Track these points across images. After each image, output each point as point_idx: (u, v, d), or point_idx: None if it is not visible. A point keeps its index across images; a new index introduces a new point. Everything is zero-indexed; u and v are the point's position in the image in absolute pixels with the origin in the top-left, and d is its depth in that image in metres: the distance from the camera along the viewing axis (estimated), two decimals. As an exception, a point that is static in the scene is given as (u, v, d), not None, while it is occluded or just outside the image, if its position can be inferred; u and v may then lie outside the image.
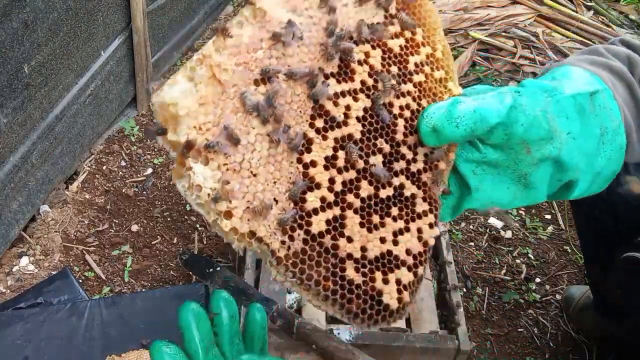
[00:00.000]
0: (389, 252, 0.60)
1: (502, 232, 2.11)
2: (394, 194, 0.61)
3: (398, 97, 0.63)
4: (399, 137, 0.63)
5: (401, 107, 0.63)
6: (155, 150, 2.24)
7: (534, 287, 1.94)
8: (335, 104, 0.59)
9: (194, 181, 0.54)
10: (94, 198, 2.03)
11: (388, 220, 0.60)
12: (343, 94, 0.60)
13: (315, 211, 0.57)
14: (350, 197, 0.58)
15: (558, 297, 1.92)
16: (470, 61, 2.84)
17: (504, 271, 1.99)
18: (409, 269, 0.61)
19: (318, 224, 0.56)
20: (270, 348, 1.17)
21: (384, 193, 0.61)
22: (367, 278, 0.58)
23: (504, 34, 2.95)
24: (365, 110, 0.62)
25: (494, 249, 2.06)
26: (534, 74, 2.79)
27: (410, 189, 0.62)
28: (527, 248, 2.07)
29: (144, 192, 2.09)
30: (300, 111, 0.57)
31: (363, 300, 0.57)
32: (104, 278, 1.81)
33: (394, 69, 0.63)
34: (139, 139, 2.27)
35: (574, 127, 0.70)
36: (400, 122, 0.63)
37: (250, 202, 0.54)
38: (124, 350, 1.51)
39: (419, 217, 0.63)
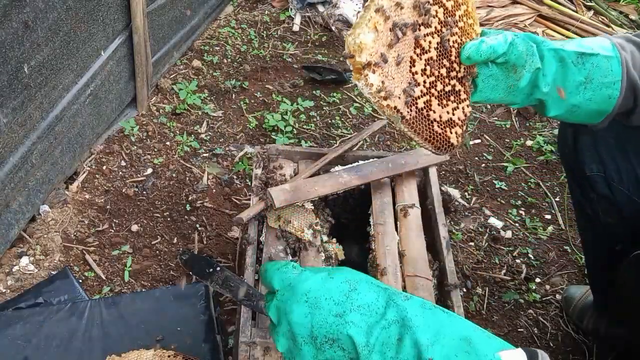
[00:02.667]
0: (451, 119, 1.09)
1: (502, 232, 2.11)
2: (450, 90, 1.09)
3: (452, 35, 1.08)
4: (453, 58, 1.09)
5: (454, 42, 1.08)
6: (155, 150, 2.24)
7: (534, 287, 1.94)
8: (424, 41, 1.05)
9: (369, 81, 0.97)
10: (94, 198, 2.03)
11: (449, 102, 1.10)
12: (427, 35, 1.05)
13: (419, 97, 1.04)
14: (433, 91, 1.07)
15: (558, 297, 1.92)
16: (470, 61, 2.84)
17: (504, 271, 1.99)
18: (460, 127, 1.11)
19: (420, 103, 1.05)
20: (270, 348, 1.17)
21: (447, 88, 1.09)
22: (443, 130, 1.08)
23: (504, 34, 2.94)
24: (437, 43, 1.07)
25: (494, 249, 2.06)
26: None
27: (457, 86, 1.10)
28: (527, 248, 2.07)
29: (144, 192, 2.09)
30: (409, 44, 1.04)
31: (441, 140, 1.09)
32: (104, 278, 1.81)
33: (450, 20, 1.08)
34: (139, 139, 2.27)
35: (548, 68, 1.08)
36: (454, 51, 1.08)
37: (392, 92, 1.00)
38: (124, 350, 1.51)
39: (462, 101, 1.11)
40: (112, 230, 1.95)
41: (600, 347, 1.76)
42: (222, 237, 1.98)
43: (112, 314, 1.63)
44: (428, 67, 1.05)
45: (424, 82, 1.05)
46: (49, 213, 1.92)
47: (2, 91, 1.51)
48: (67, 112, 1.87)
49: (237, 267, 1.88)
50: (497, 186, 2.28)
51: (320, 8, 3.09)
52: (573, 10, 3.12)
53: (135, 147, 2.24)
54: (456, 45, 1.09)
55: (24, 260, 1.79)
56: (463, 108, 1.11)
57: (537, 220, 2.17)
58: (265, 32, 2.99)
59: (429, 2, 1.04)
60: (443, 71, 1.08)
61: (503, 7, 3.09)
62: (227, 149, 2.31)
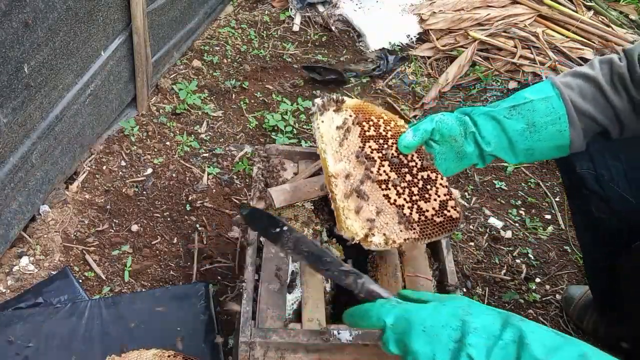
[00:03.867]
0: (440, 202, 1.23)
1: (502, 232, 2.11)
2: (423, 183, 1.23)
3: (391, 148, 1.24)
4: (406, 161, 1.24)
5: (396, 149, 1.24)
6: (155, 150, 2.24)
7: (534, 287, 1.94)
8: (380, 175, 1.22)
9: (377, 242, 1.16)
10: (94, 198, 2.03)
11: (429, 192, 1.23)
12: (378, 170, 1.22)
13: (409, 214, 1.20)
14: (413, 198, 1.22)
15: (558, 297, 1.92)
16: (470, 61, 2.84)
17: (504, 271, 1.99)
18: (450, 199, 1.24)
19: (414, 216, 1.20)
20: (270, 348, 1.17)
21: (420, 184, 1.23)
22: (443, 216, 1.22)
23: (504, 34, 2.95)
24: (388, 165, 1.23)
25: (494, 249, 2.06)
26: (535, 74, 2.79)
27: (424, 175, 1.24)
28: (527, 248, 2.07)
29: (144, 192, 2.09)
30: (375, 189, 1.21)
31: (448, 224, 1.22)
32: (104, 278, 1.81)
33: (381, 140, 1.25)
34: (139, 139, 2.27)
35: (484, 130, 1.22)
36: (402, 156, 1.24)
37: (394, 231, 1.18)
38: (124, 350, 1.51)
39: (435, 181, 1.24)
40: (112, 230, 1.95)
41: (601, 347, 1.76)
42: (222, 237, 1.98)
43: (112, 314, 1.63)
44: (398, 188, 1.21)
45: (404, 200, 1.21)
46: (49, 213, 1.92)
47: (2, 91, 1.51)
48: (67, 112, 1.87)
49: (237, 267, 1.88)
50: (497, 186, 2.28)
51: (320, 8, 3.09)
52: (573, 10, 3.12)
53: (135, 147, 2.24)
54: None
55: (24, 260, 1.79)
56: (440, 184, 1.25)
57: (537, 220, 2.17)
58: (265, 32, 2.99)
59: (362, 152, 1.21)
60: (408, 177, 1.23)
61: (503, 7, 3.09)
62: (227, 149, 2.31)
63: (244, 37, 2.93)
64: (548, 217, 2.19)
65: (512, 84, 2.79)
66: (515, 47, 2.88)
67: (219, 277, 1.86)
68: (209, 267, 1.88)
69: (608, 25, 3.09)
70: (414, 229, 1.18)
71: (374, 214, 1.17)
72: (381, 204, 1.19)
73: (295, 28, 3.04)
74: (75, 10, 1.75)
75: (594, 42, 2.94)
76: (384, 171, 1.22)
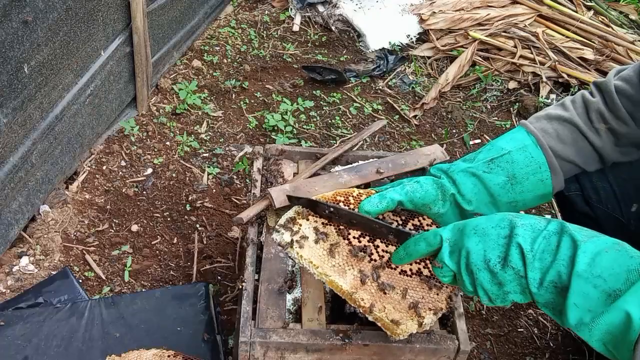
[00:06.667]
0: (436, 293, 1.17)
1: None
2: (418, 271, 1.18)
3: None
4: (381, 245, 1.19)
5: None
6: (155, 150, 2.24)
7: (534, 287, 1.94)
8: (380, 257, 1.18)
9: (425, 323, 1.14)
10: (94, 198, 2.03)
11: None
12: (382, 252, 1.18)
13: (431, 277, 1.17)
14: (422, 271, 1.19)
15: (558, 297, 1.92)
16: (470, 61, 2.84)
17: (504, 271, 1.99)
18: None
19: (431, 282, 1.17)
20: (270, 348, 1.17)
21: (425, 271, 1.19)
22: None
23: (504, 34, 2.95)
24: (381, 251, 1.18)
25: (494, 249, 2.06)
26: (534, 74, 2.79)
27: (411, 224, 1.23)
28: (527, 248, 2.06)
29: (144, 192, 2.09)
30: (394, 274, 1.18)
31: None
32: (104, 278, 1.81)
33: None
34: (139, 139, 2.27)
35: (464, 187, 1.17)
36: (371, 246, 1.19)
37: (436, 301, 1.17)
38: (124, 350, 1.51)
39: (423, 226, 1.24)
40: (112, 230, 1.95)
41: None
42: (222, 237, 1.98)
43: (112, 314, 1.63)
44: (406, 267, 1.16)
45: (417, 263, 1.16)
46: (49, 213, 1.92)
47: (2, 91, 1.51)
48: (67, 112, 1.87)
49: (237, 267, 1.88)
50: (497, 186, 2.28)
51: (320, 8, 3.09)
52: (573, 10, 3.12)
53: (135, 147, 2.24)
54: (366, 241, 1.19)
55: (24, 260, 1.79)
56: (427, 226, 1.23)
57: (537, 220, 2.17)
58: (265, 32, 2.99)
59: (354, 248, 1.16)
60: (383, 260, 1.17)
61: (503, 7, 3.09)
62: (227, 149, 2.31)
63: (244, 37, 2.93)
64: (548, 217, 2.19)
65: (512, 84, 2.79)
66: (515, 47, 2.88)
67: (219, 277, 1.86)
68: (209, 267, 1.88)
69: (608, 25, 3.09)
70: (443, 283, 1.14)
71: (408, 296, 1.12)
72: (405, 283, 1.14)
73: (295, 28, 3.04)
74: (75, 10, 1.75)
75: (594, 42, 2.94)
76: (383, 250, 1.17)
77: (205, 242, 1.95)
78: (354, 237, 1.18)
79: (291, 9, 3.12)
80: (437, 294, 1.13)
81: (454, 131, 2.56)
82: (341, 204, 1.20)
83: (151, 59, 2.32)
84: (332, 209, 1.16)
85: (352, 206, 1.20)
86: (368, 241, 1.17)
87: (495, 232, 0.92)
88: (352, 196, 1.22)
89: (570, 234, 0.86)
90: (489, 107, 2.70)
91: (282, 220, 1.19)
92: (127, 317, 1.63)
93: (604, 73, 2.82)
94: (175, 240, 1.95)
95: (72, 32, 1.77)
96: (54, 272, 1.77)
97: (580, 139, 1.20)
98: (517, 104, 2.71)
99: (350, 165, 1.55)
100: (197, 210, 2.05)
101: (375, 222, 1.14)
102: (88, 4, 1.81)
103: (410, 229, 1.20)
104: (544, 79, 2.76)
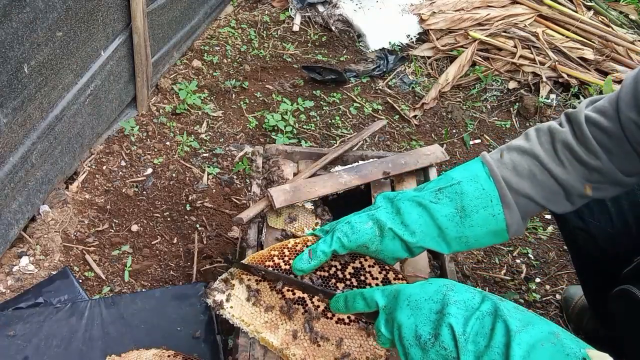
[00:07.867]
0: (383, 280, 1.18)
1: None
2: (356, 279, 1.19)
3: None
4: (327, 273, 1.19)
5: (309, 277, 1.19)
6: (155, 150, 2.24)
7: (534, 287, 1.94)
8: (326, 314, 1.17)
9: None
10: (94, 198, 2.03)
11: (368, 280, 1.19)
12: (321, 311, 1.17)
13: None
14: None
15: (558, 297, 1.92)
16: (470, 61, 2.84)
17: (504, 271, 1.99)
18: (387, 275, 1.21)
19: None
20: (269, 348, 1.17)
21: (354, 283, 1.19)
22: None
23: (504, 34, 2.95)
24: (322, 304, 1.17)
25: (494, 249, 2.06)
26: (534, 74, 2.79)
27: (351, 267, 1.21)
28: (527, 248, 2.07)
29: (144, 192, 2.09)
30: (355, 332, 1.15)
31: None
32: (104, 278, 1.81)
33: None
34: (139, 139, 2.27)
35: (408, 217, 1.09)
36: (321, 272, 1.19)
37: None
38: (124, 350, 1.51)
39: (364, 267, 1.22)
40: (112, 230, 1.95)
41: (600, 347, 1.76)
42: (222, 237, 1.98)
43: (112, 314, 1.63)
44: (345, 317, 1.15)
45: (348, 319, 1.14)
46: (49, 213, 1.92)
47: (2, 91, 1.51)
48: (67, 112, 1.87)
49: (237, 267, 1.88)
50: (497, 186, 2.28)
51: (320, 8, 3.09)
52: (573, 10, 3.12)
53: (135, 147, 2.24)
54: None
55: (24, 260, 1.79)
56: (369, 267, 1.20)
57: (537, 220, 2.17)
58: (265, 32, 2.99)
59: (287, 302, 1.15)
60: (340, 285, 1.17)
61: (503, 7, 3.09)
62: (227, 149, 2.31)
63: (244, 37, 2.93)
64: (548, 217, 2.19)
65: (512, 84, 2.79)
66: (515, 47, 2.88)
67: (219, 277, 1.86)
68: (208, 267, 1.88)
69: (608, 25, 3.09)
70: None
71: (344, 346, 1.10)
72: (341, 332, 1.12)
73: (295, 28, 3.04)
74: (75, 10, 1.75)
75: (594, 42, 2.94)
76: (319, 300, 1.15)
77: (205, 242, 1.95)
78: (288, 290, 1.17)
79: (291, 9, 3.12)
80: (375, 342, 1.10)
81: (454, 131, 2.56)
82: (276, 259, 1.19)
83: (151, 59, 2.32)
84: (263, 272, 1.17)
85: (287, 258, 1.19)
86: (302, 292, 1.17)
87: (427, 305, 0.86)
88: (287, 248, 1.21)
89: (505, 320, 0.80)
90: (489, 107, 2.70)
91: (215, 283, 1.22)
92: (127, 317, 1.63)
93: (604, 73, 2.83)
94: (175, 240, 1.95)
95: (72, 32, 1.77)
96: (54, 272, 1.77)
97: (539, 171, 1.09)
98: (517, 104, 2.71)
99: (350, 165, 1.55)
100: (197, 210, 2.05)
101: (302, 283, 1.13)
102: (88, 4, 1.81)
103: (350, 273, 1.19)
104: (544, 79, 2.76)
